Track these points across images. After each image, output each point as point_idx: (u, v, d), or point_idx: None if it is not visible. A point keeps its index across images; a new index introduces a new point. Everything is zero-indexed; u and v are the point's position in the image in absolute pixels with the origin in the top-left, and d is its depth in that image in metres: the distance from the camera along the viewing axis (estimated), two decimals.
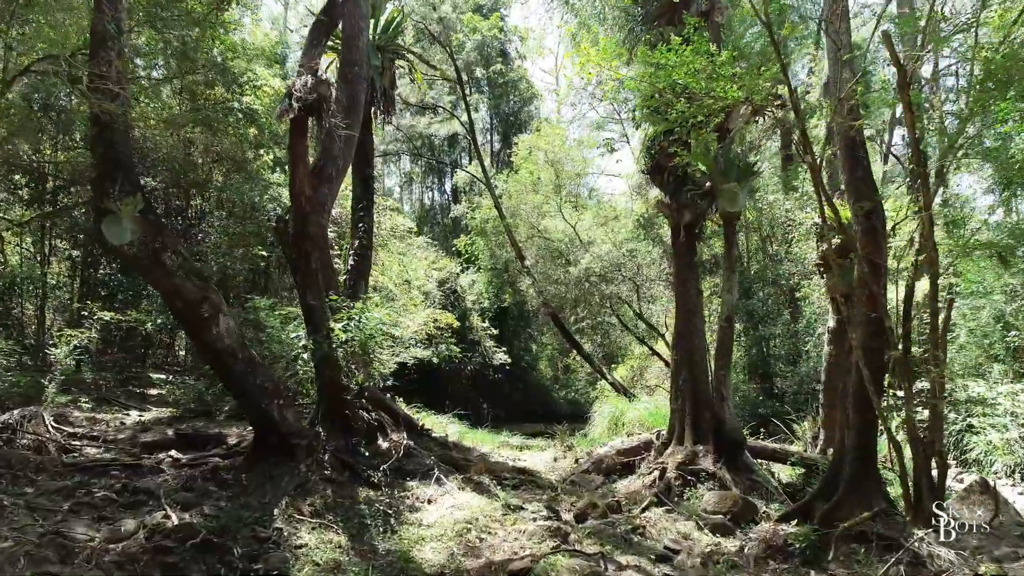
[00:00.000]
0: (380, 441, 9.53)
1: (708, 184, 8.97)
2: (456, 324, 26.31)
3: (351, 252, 11.43)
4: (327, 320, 8.41)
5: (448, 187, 38.62)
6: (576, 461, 10.27)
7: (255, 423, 7.81)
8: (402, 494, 7.96)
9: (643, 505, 7.74)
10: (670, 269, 21.02)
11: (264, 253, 15.08)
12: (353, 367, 8.87)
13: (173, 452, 8.48)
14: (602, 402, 27.61)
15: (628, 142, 28.77)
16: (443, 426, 13.53)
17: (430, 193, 41.93)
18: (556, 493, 8.38)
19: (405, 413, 10.44)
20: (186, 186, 16.16)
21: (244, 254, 15.35)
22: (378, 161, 38.24)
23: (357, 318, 8.47)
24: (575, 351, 25.17)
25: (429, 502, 7.87)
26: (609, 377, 21.40)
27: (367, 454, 8.62)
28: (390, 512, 7.35)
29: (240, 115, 15.62)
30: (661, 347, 25.16)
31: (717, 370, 9.12)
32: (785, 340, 17.32)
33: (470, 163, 33.89)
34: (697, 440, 8.92)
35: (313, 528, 6.76)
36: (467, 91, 29.16)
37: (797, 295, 18.19)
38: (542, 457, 10.93)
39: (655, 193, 10.80)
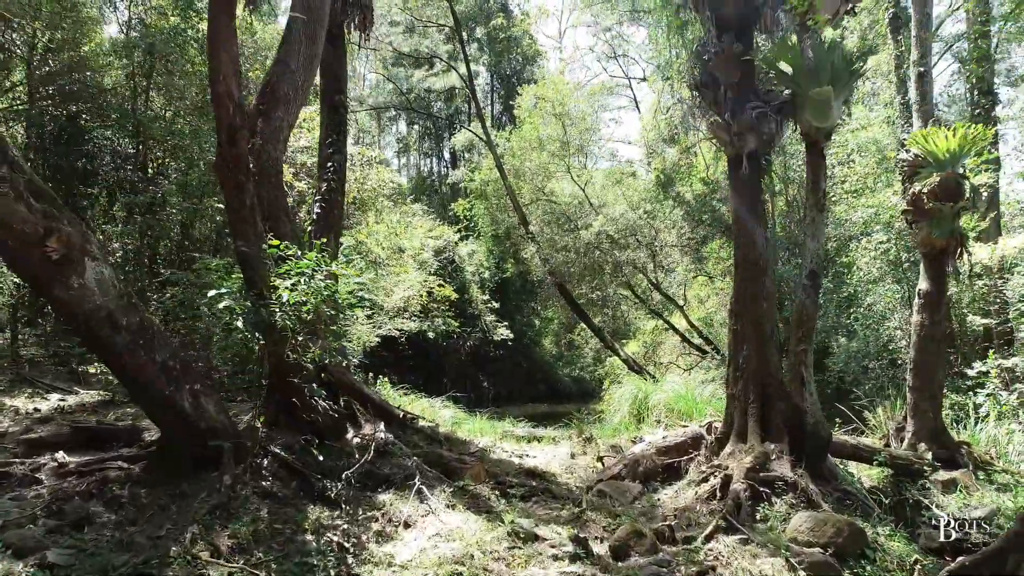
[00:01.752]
0: (349, 436, 7.24)
1: (787, 92, 6.54)
2: (454, 296, 23.98)
3: (317, 199, 9.00)
4: (267, 274, 6.04)
5: (447, 153, 36.00)
6: (599, 459, 7.97)
7: (155, 417, 5.50)
8: (369, 514, 5.66)
9: (706, 531, 5.44)
10: (691, 233, 18.66)
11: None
12: (311, 339, 6.50)
13: (61, 454, 6.16)
14: (619, 383, 25.31)
15: (637, 109, 26.05)
16: (435, 411, 11.26)
17: (428, 161, 39.32)
18: (581, 509, 6.09)
19: (381, 400, 8.12)
20: (144, 136, 13.68)
21: (203, 210, 12.93)
22: (371, 124, 35.54)
23: (310, 272, 6.08)
24: (584, 325, 22.85)
25: (406, 526, 5.58)
26: (622, 354, 19.12)
27: (326, 456, 6.31)
28: (348, 544, 5.05)
29: (196, 45, 13.07)
30: (678, 320, 22.85)
31: (795, 344, 6.77)
32: (831, 311, 14.95)
33: (469, 123, 31.18)
34: (766, 436, 6.60)
35: (230, 575, 4.48)
36: (466, 42, 26.40)
37: (839, 262, 15.78)
38: (556, 453, 8.64)
39: (688, 125, 8.43)
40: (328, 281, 6.23)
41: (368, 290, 9.98)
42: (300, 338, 6.13)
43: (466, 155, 30.69)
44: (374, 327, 11.01)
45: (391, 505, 5.83)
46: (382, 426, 7.53)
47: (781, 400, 6.62)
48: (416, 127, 36.51)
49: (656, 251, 18.82)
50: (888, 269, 13.93)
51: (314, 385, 6.61)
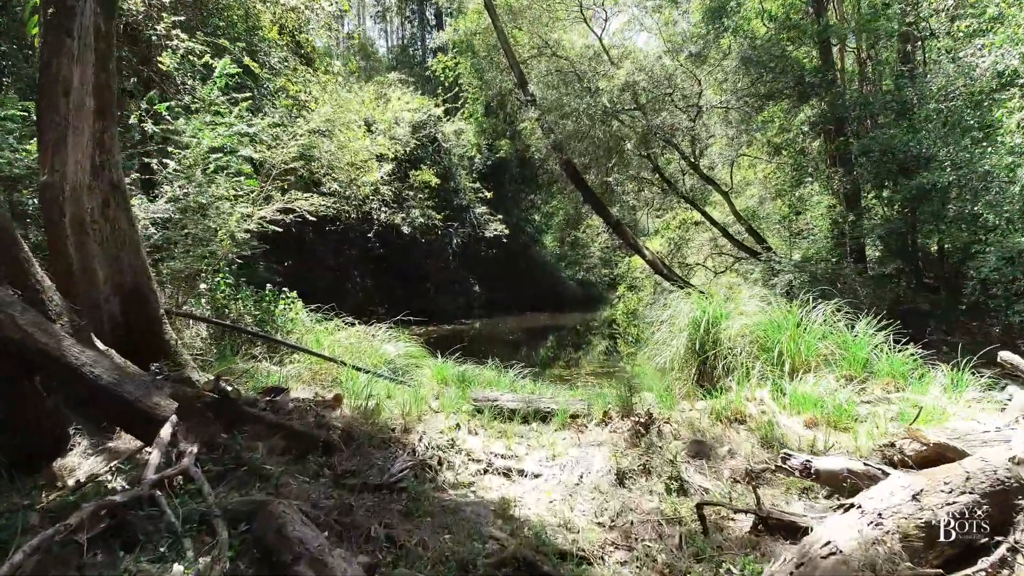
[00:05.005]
0: (71, 460, 2.60)
1: None
2: (435, 182, 18.90)
3: None
4: None
5: (430, 13, 29.36)
6: (700, 513, 3.24)
7: None
8: None
9: None
10: (750, 88, 13.31)
11: None
12: None
13: None
14: (637, 287, 20.63)
15: None
16: (370, 349, 6.68)
17: (409, 28, 32.54)
18: None
19: (178, 375, 3.42)
20: None
21: None
22: None
23: None
24: (597, 216, 17.92)
25: None
26: (646, 253, 14.36)
27: None
28: None
29: None
30: (716, 211, 17.92)
31: None
32: (964, 195, 10.02)
33: None
34: None
35: None
36: None
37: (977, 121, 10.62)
38: (580, 463, 4.01)
39: None
40: None
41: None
42: None
43: (455, 12, 24.29)
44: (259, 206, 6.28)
45: None
46: (167, 432, 2.88)
47: None
48: None
49: (700, 113, 13.56)
50: None
51: None
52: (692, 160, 14.47)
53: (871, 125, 13.45)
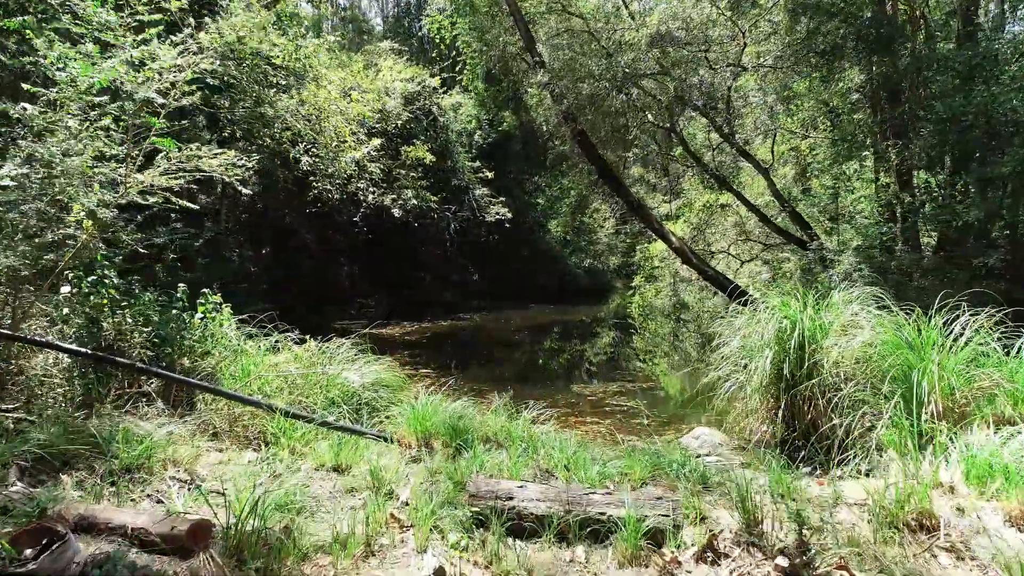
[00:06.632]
0: None
1: None
2: (430, 159, 16.69)
3: None
4: None
5: None
6: None
7: None
8: None
9: None
10: (803, 39, 11.10)
11: None
12: None
13: None
14: (654, 278, 18.46)
15: None
16: (327, 378, 4.60)
17: None
18: None
19: None
20: None
21: None
22: None
23: None
24: (604, 202, 15.78)
25: None
26: (674, 240, 12.22)
27: None
28: None
29: None
30: (752, 190, 15.76)
31: None
32: None
33: None
34: None
35: None
36: None
37: None
38: None
39: None
40: None
41: None
42: None
43: None
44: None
45: None
46: None
47: None
48: None
49: (743, 73, 11.37)
50: None
51: None
52: (726, 131, 12.25)
53: (925, 94, 11.28)
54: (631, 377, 9.10)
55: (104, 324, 4.01)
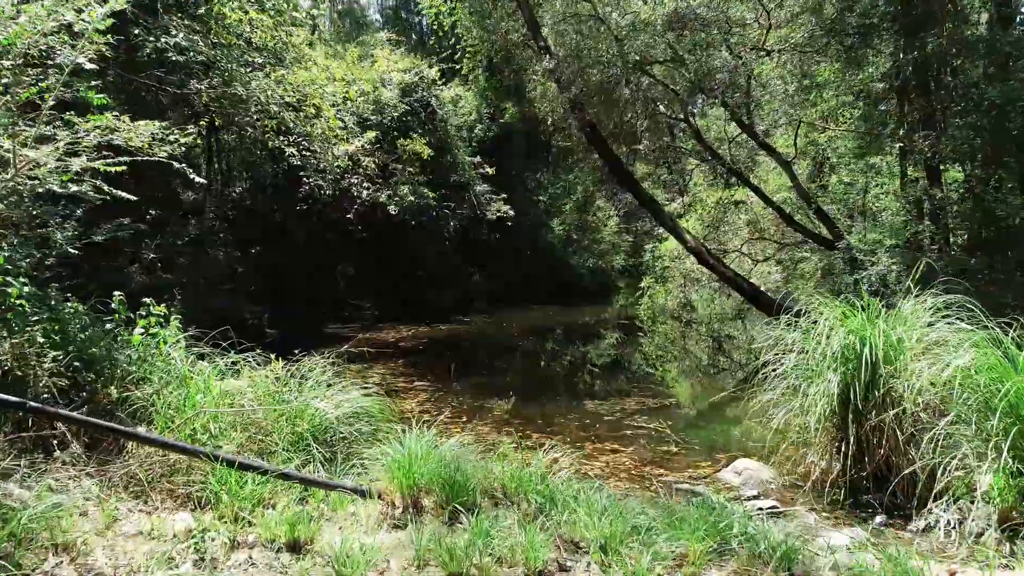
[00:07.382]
0: None
1: None
2: (427, 154, 15.78)
3: None
4: None
5: None
6: None
7: None
8: None
9: None
10: (834, 18, 10.20)
11: None
12: None
13: None
14: (664, 279, 17.52)
15: None
16: (293, 408, 3.70)
17: None
18: None
19: None
20: None
21: None
22: None
23: None
24: (625, 193, 14.85)
25: None
26: (689, 239, 11.32)
27: None
28: None
29: None
30: (767, 187, 14.83)
31: None
32: None
33: None
34: None
35: None
36: None
37: None
38: None
39: None
40: None
41: None
42: None
43: None
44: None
45: None
46: None
47: None
48: None
49: (767, 57, 10.46)
50: None
51: None
52: (747, 122, 11.34)
53: (957, 82, 10.37)
54: (649, 390, 8.20)
55: (2, 344, 3.11)
